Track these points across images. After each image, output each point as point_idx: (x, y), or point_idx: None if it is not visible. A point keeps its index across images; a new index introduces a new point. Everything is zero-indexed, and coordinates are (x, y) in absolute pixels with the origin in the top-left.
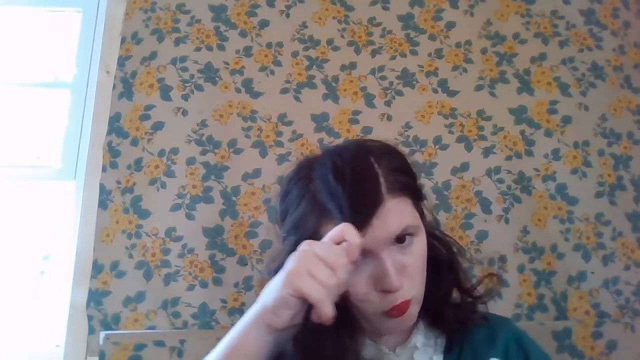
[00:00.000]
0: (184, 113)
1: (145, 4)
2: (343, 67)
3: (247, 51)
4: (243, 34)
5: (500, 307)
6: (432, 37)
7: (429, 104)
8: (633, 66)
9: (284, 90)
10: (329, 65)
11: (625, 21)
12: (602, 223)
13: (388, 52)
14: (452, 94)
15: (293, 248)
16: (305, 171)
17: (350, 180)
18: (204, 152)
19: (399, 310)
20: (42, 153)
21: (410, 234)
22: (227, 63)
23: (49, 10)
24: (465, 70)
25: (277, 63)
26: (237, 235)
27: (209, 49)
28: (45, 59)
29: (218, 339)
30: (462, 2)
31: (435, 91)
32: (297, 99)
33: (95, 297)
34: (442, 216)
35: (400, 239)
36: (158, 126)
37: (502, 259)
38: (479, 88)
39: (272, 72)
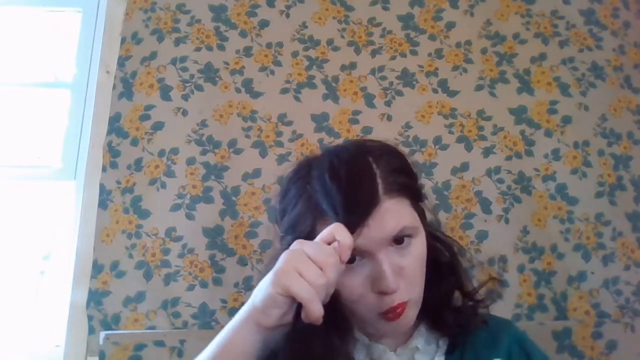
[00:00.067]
0: (184, 113)
1: (145, 4)
2: (343, 67)
3: (247, 51)
4: (243, 34)
5: (500, 307)
6: (432, 37)
7: (429, 104)
8: (633, 66)
9: (284, 90)
10: (329, 65)
11: (625, 21)
12: (602, 223)
13: (388, 52)
14: (452, 94)
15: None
16: (304, 171)
17: (346, 181)
18: (204, 152)
19: (395, 314)
20: (42, 153)
21: (409, 235)
22: (227, 63)
23: (49, 10)
24: (465, 70)
25: (277, 63)
26: (237, 235)
27: (209, 49)
28: (45, 59)
29: None
30: (462, 2)
31: (435, 91)
32: (297, 99)
33: (95, 297)
34: (442, 216)
35: (398, 240)
36: (158, 126)
37: (502, 259)
38: (479, 88)
39: (272, 72)
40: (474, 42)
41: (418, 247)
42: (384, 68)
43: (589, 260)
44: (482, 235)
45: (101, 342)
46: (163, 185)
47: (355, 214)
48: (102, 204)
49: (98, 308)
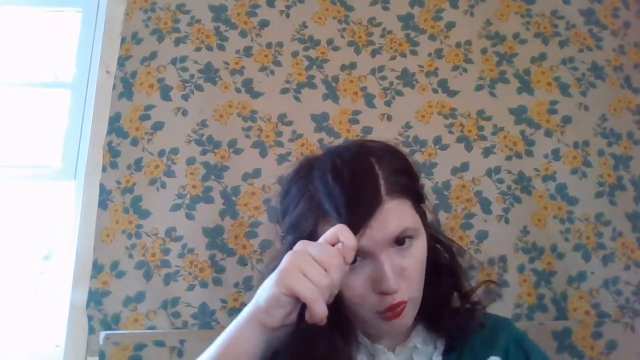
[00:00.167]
0: (184, 113)
1: (145, 4)
2: (343, 67)
3: (247, 51)
4: (243, 34)
5: (500, 307)
6: (432, 37)
7: (429, 104)
8: (633, 66)
9: (284, 90)
10: (329, 65)
11: (625, 21)
12: (602, 223)
13: (388, 52)
14: (452, 94)
15: (291, 247)
16: (306, 171)
17: (349, 181)
18: (204, 152)
19: (394, 313)
20: (42, 153)
21: (410, 237)
22: (227, 63)
23: (49, 10)
24: (465, 70)
25: (277, 63)
26: (237, 235)
27: (209, 49)
28: (45, 59)
29: None
30: (462, 2)
31: (435, 91)
32: (297, 99)
33: (95, 297)
34: (442, 216)
35: (399, 241)
36: (158, 126)
37: (502, 259)
38: (479, 88)
39: (272, 72)
40: (474, 42)
41: (419, 248)
42: (384, 68)
43: (589, 260)
44: (482, 235)
45: (101, 342)
46: (163, 185)
47: (357, 215)
48: (102, 204)
49: (98, 308)
